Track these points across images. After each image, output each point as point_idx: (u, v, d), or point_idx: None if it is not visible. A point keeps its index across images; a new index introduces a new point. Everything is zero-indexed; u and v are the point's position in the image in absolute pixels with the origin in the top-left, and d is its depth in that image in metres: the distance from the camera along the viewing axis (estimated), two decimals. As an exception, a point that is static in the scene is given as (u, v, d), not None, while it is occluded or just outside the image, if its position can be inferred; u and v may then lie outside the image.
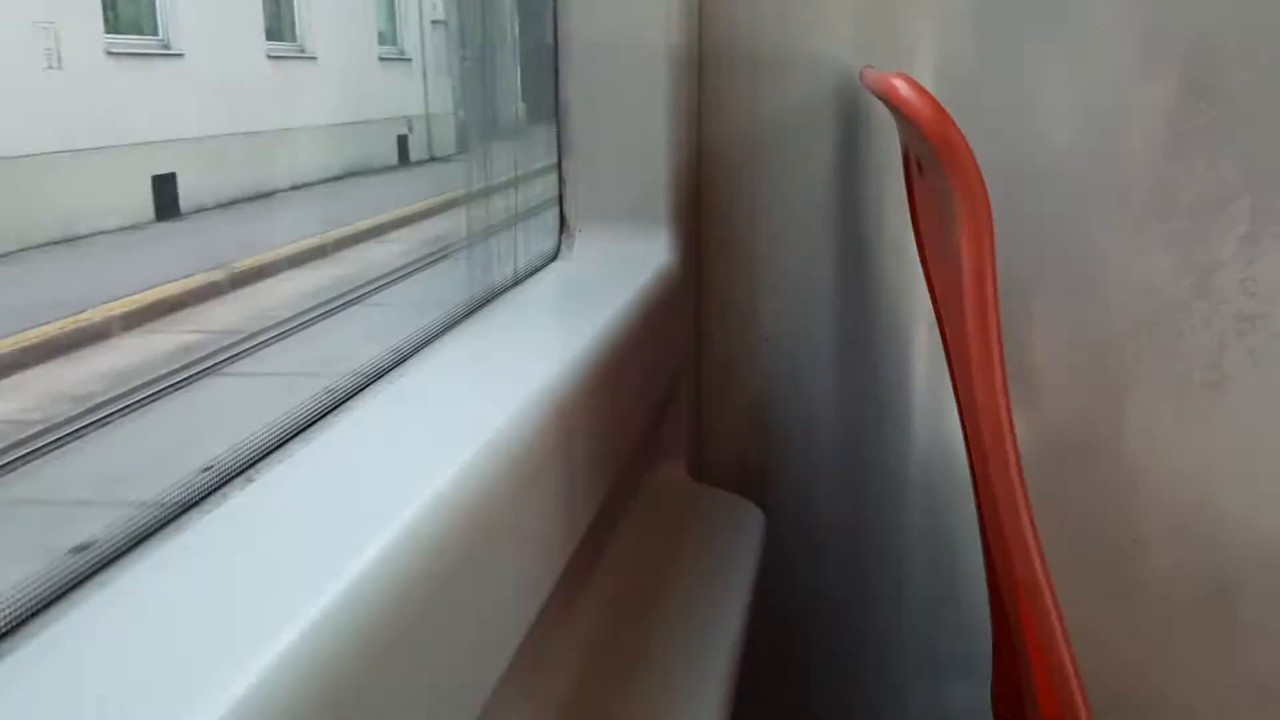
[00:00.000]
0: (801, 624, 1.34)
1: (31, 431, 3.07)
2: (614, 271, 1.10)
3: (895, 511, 1.31)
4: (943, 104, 1.21)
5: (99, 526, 0.51)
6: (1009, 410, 0.64)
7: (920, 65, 1.21)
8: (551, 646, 0.82)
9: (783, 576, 1.30)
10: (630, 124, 1.13)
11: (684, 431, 1.23)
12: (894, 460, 1.30)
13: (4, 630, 0.45)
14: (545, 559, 0.72)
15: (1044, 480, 1.27)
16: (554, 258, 1.14)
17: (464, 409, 0.70)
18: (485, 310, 0.99)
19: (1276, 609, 1.28)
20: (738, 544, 1.11)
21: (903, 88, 0.60)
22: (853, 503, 1.31)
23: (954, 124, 0.59)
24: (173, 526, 0.51)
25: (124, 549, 0.49)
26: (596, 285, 1.07)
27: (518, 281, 1.07)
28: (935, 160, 0.62)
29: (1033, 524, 0.66)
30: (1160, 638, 1.29)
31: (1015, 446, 0.63)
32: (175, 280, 4.34)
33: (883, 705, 1.36)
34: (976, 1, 1.20)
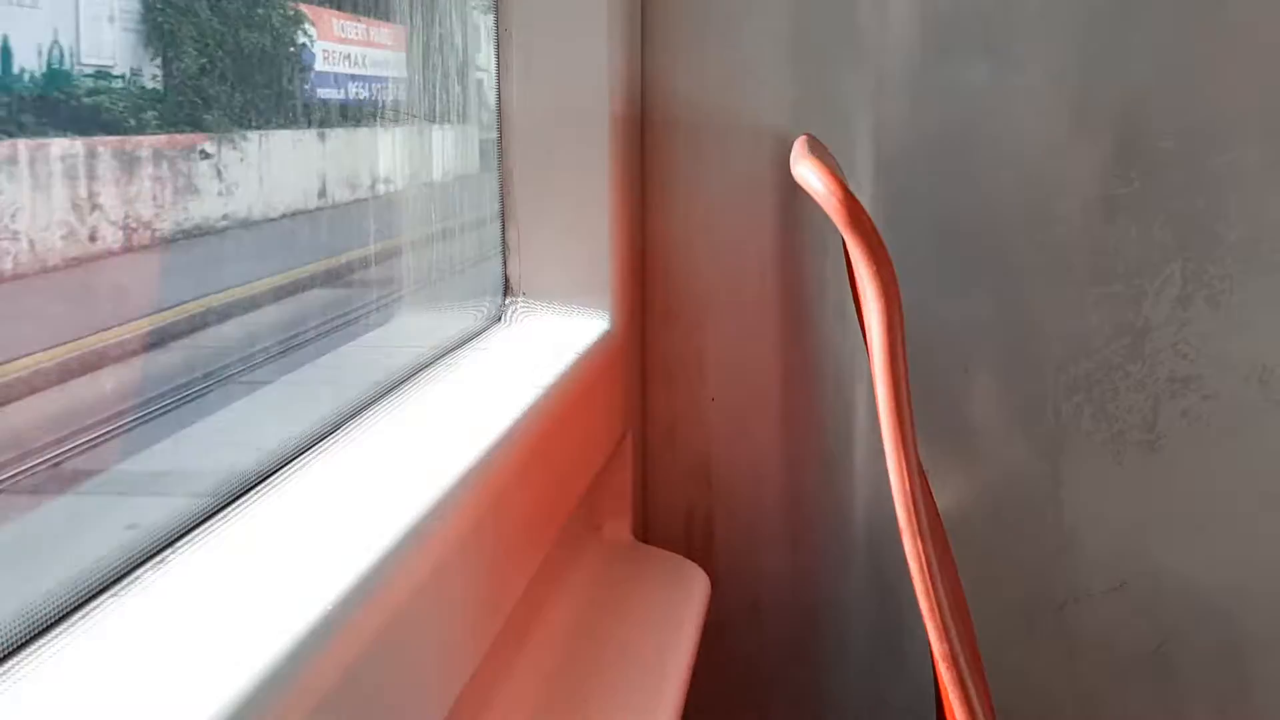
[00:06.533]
0: (747, 685, 1.34)
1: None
2: (555, 337, 1.11)
3: (841, 571, 1.32)
4: (881, 169, 1.23)
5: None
6: (924, 486, 0.65)
7: (858, 132, 1.23)
8: (483, 717, 0.82)
9: (727, 637, 1.30)
10: (573, 190, 1.14)
11: (628, 492, 1.24)
12: (839, 520, 1.31)
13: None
14: (469, 636, 0.72)
15: (983, 539, 1.28)
16: (496, 321, 1.15)
17: (385, 489, 0.70)
18: (423, 374, 1.00)
19: (1215, 664, 1.29)
20: (679, 606, 1.11)
21: (812, 177, 0.61)
22: (798, 562, 1.32)
23: (863, 211, 0.60)
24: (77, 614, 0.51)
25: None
26: (537, 350, 1.08)
27: (458, 345, 1.08)
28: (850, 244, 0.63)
29: (943, 596, 0.67)
30: (1101, 694, 1.30)
31: (925, 523, 0.64)
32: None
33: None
34: (913, 69, 1.23)
